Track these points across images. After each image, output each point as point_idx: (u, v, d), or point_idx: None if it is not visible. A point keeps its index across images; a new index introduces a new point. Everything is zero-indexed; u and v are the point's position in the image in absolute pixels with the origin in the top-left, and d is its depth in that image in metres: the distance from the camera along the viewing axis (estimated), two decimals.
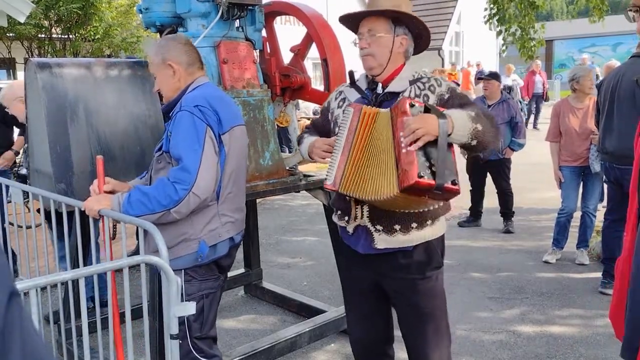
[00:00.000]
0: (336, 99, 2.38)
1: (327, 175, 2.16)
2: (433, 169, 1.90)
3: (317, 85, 3.93)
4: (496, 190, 6.51)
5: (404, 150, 1.92)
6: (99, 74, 3.06)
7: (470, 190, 6.63)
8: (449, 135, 1.93)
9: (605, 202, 5.11)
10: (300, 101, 11.73)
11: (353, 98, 2.29)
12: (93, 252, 2.34)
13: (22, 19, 7.65)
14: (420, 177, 1.86)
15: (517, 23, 7.44)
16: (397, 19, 2.17)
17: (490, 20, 7.90)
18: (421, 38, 2.27)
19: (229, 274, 4.46)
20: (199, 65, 2.51)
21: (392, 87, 2.21)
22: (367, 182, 2.05)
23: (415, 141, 1.89)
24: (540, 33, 8.13)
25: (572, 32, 28.51)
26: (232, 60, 3.35)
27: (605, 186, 4.80)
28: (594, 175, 5.02)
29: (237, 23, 3.54)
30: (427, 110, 1.96)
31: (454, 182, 1.92)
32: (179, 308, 1.90)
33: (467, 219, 6.76)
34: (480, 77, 6.98)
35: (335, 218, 2.38)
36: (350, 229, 2.29)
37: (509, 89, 17.73)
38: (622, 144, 4.12)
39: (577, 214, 5.28)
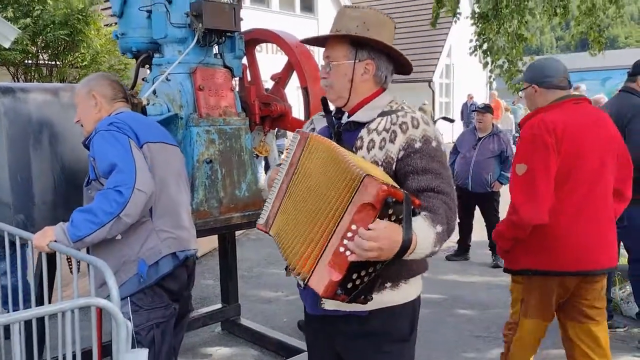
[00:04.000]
0: (307, 128, 2.12)
1: (262, 212, 1.90)
2: (357, 282, 1.58)
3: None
4: (485, 224, 6.39)
5: (340, 249, 1.54)
6: (66, 99, 2.93)
7: (459, 223, 6.49)
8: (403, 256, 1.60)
9: None
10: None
11: (319, 127, 2.03)
12: (45, 288, 2.19)
13: (7, 45, 7.55)
14: (336, 294, 1.56)
15: (505, 55, 7.45)
16: (359, 41, 1.86)
17: (476, 52, 7.92)
18: (398, 60, 1.95)
19: (205, 310, 4.30)
20: (121, 98, 2.58)
21: (357, 117, 1.90)
22: (291, 236, 1.73)
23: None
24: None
25: None
26: (208, 87, 3.23)
27: None
28: None
29: (215, 50, 3.44)
30: (398, 204, 1.54)
31: (366, 298, 1.63)
32: (129, 355, 1.72)
33: (455, 252, 6.62)
34: (474, 109, 6.95)
35: (285, 267, 1.99)
36: (300, 281, 1.83)
37: None
38: None
39: None
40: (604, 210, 2.68)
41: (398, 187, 1.59)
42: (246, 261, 6.49)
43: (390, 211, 1.54)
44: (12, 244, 2.73)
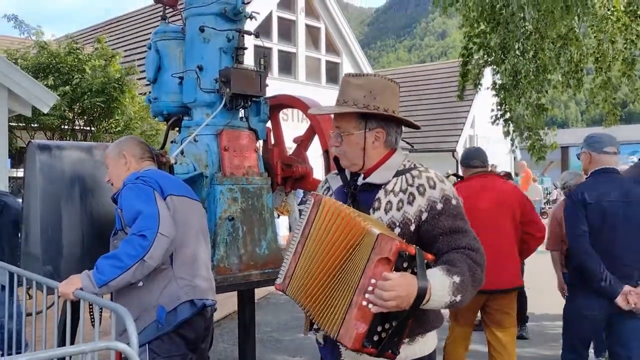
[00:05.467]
0: (322, 187, 2.18)
1: (280, 272, 1.95)
2: (382, 335, 1.70)
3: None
4: None
5: (363, 303, 1.66)
6: (98, 157, 3.09)
7: None
8: (420, 305, 1.70)
9: None
10: None
11: (335, 187, 2.08)
12: (67, 333, 2.26)
13: (45, 110, 7.96)
14: (363, 345, 1.67)
15: (526, 125, 7.56)
16: (368, 113, 1.93)
17: (497, 122, 8.05)
18: (403, 123, 2.04)
19: None
20: (148, 157, 2.76)
21: (373, 179, 1.96)
22: (313, 296, 1.81)
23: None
24: (552, 136, 8.23)
25: None
26: (233, 148, 3.38)
27: None
28: None
29: (241, 113, 3.61)
30: (412, 259, 1.69)
31: (393, 352, 1.72)
32: None
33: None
34: None
35: (306, 324, 2.04)
36: (320, 338, 1.99)
37: None
38: None
39: None
40: (501, 246, 3.62)
41: (410, 244, 1.74)
42: (266, 325, 6.44)
43: (405, 264, 1.68)
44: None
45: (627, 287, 3.20)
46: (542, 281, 8.31)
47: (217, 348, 5.54)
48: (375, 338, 1.68)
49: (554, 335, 6.09)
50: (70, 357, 2.37)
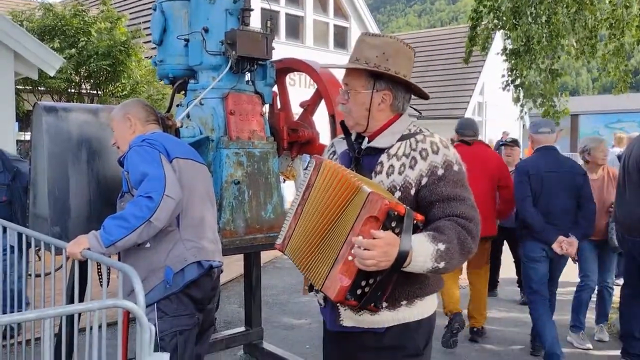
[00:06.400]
0: (327, 151, 2.18)
1: (280, 232, 1.98)
2: (366, 289, 1.73)
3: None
4: (513, 259, 6.29)
5: (349, 258, 1.69)
6: (104, 119, 3.08)
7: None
8: (401, 267, 1.71)
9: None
10: None
11: (340, 151, 2.08)
12: (76, 292, 2.31)
13: (52, 73, 7.91)
14: (346, 298, 1.72)
15: (539, 90, 7.47)
16: (377, 72, 1.91)
17: (508, 87, 7.95)
18: (412, 90, 2.01)
19: (228, 332, 4.34)
20: (154, 120, 2.76)
21: (377, 142, 1.95)
22: (306, 253, 1.85)
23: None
24: (564, 102, 8.14)
25: (598, 107, 28.55)
26: (239, 111, 3.36)
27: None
28: (610, 247, 4.81)
29: (247, 77, 3.58)
30: (400, 219, 1.69)
31: (376, 305, 1.78)
32: (151, 359, 1.78)
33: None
34: (502, 143, 6.95)
35: (307, 286, 2.09)
36: (320, 299, 2.02)
37: None
38: (631, 215, 4.01)
39: None
40: (477, 199, 3.92)
41: (401, 203, 1.75)
42: (272, 288, 6.53)
43: (393, 224, 1.69)
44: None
45: (561, 237, 4.10)
46: None
47: (224, 310, 5.64)
48: (359, 292, 1.73)
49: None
50: (79, 315, 2.45)
